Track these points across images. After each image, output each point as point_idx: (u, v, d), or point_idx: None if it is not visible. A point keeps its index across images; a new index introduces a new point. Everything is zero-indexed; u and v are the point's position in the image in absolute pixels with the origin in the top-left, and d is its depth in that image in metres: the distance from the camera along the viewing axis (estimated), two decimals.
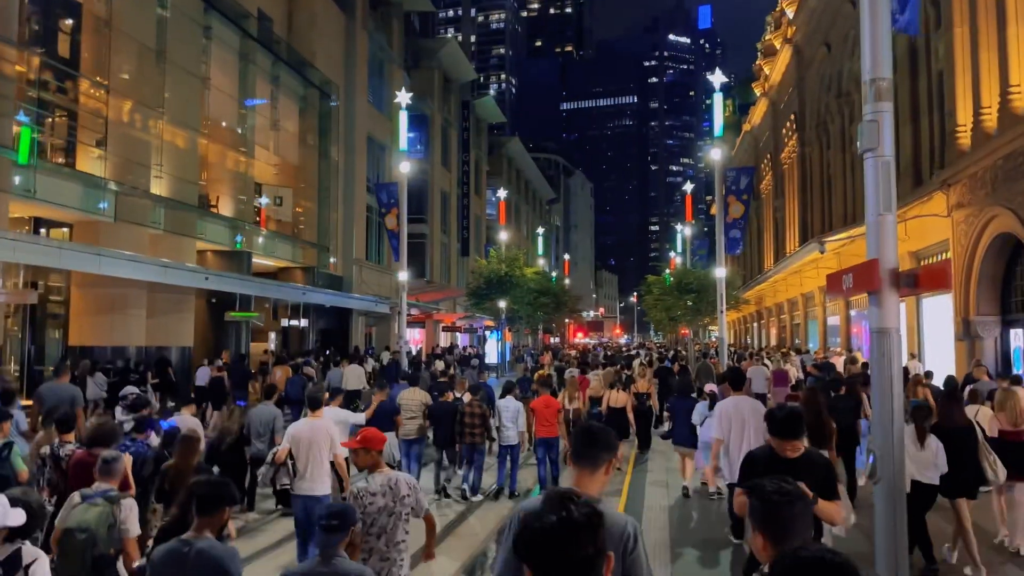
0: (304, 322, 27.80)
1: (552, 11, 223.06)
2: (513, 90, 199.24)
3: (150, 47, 20.34)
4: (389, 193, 21.56)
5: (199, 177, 22.61)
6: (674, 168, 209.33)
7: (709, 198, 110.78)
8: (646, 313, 49.35)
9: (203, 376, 18.50)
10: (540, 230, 51.65)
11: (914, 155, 20.73)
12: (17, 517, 3.84)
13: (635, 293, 57.24)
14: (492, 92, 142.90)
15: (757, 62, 50.77)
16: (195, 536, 3.86)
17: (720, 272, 20.60)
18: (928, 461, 7.20)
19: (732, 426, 7.39)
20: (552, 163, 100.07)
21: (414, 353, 25.14)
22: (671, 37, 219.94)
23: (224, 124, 24.58)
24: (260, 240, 26.45)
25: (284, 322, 27.41)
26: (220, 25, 23.43)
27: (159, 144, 20.61)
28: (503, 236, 37.98)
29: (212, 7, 22.81)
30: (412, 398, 11.18)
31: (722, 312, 20.51)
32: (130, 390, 12.59)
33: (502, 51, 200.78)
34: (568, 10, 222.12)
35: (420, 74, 44.92)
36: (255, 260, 26.96)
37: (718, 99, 20.94)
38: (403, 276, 21.41)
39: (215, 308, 24.17)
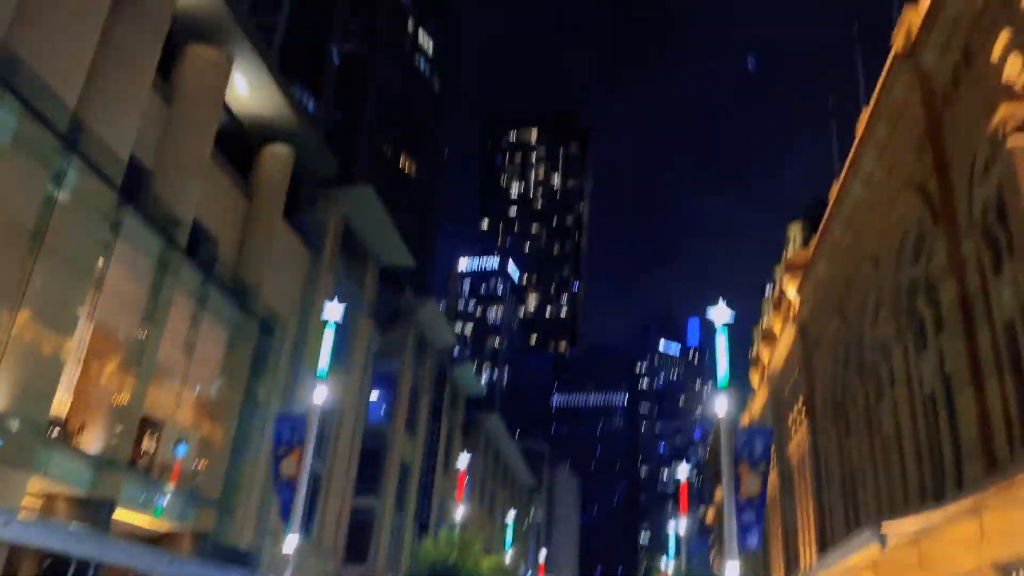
0: None
1: (547, 315, 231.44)
2: (505, 379, 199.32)
3: (24, 225, 16.56)
4: (294, 427, 16.32)
5: (55, 393, 17.54)
6: (664, 478, 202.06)
7: (703, 507, 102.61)
8: None
9: None
10: (511, 514, 44.64)
11: (981, 429, 15.86)
12: None
13: None
14: (483, 380, 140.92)
15: (754, 351, 47.78)
16: None
17: (732, 570, 14.63)
18: None
19: None
20: (536, 452, 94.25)
21: None
22: (661, 348, 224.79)
23: (114, 336, 20.08)
24: (135, 489, 20.59)
25: None
26: (136, 224, 19.90)
27: (3, 339, 15.93)
28: (460, 512, 31.54)
29: (127, 202, 19.36)
30: None
31: None
32: None
33: (495, 344, 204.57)
34: (562, 315, 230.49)
35: (394, 332, 41.67)
36: (130, 518, 20.96)
37: (721, 340, 16.59)
38: (292, 542, 15.43)
39: None
